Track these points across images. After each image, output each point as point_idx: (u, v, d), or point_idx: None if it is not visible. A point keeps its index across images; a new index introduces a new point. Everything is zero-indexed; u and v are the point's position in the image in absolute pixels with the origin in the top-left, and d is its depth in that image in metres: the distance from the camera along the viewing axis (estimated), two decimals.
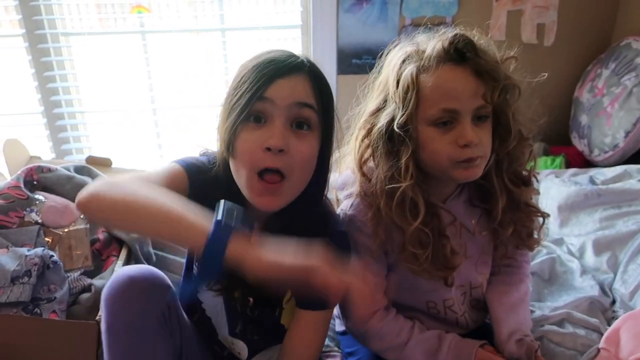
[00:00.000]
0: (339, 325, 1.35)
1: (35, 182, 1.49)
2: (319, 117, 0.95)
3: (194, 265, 1.12)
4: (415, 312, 1.18)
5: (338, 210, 1.14)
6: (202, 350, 1.14)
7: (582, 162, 2.29)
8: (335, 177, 1.17)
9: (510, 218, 1.09)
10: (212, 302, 1.12)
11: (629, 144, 2.04)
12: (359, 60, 2.34)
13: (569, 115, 2.44)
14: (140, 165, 2.02)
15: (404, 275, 1.10)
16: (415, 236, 1.03)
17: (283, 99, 0.90)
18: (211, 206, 0.90)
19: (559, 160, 2.25)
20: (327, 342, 1.33)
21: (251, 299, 1.09)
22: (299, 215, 1.00)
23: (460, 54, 0.96)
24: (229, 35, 2.38)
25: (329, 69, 2.35)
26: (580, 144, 2.32)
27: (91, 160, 1.89)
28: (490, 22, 2.33)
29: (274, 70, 0.91)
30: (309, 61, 0.96)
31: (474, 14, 2.31)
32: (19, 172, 1.48)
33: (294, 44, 2.40)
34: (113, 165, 1.97)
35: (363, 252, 1.08)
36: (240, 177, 0.94)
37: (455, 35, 0.97)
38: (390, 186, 1.02)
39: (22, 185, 1.43)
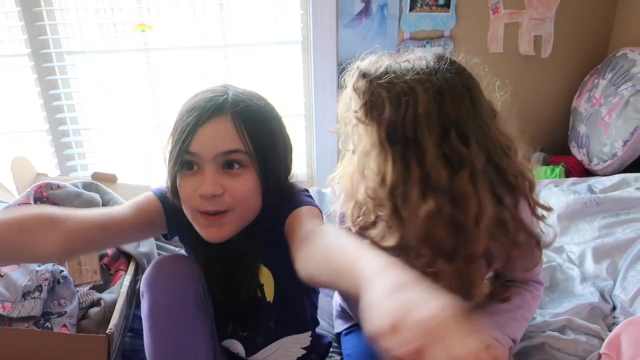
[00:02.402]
0: (338, 326, 1.37)
1: (45, 199, 1.51)
2: (249, 154, 0.97)
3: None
4: None
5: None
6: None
7: (582, 171, 2.32)
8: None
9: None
10: None
11: (627, 153, 2.07)
12: None
13: (568, 125, 2.47)
14: (144, 181, 2.05)
15: None
16: None
17: (207, 151, 0.95)
18: (185, 231, 1.05)
19: (558, 169, 2.28)
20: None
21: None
22: (252, 230, 1.05)
23: None
24: (231, 51, 2.42)
25: (329, 83, 2.39)
26: (579, 154, 2.35)
27: (97, 176, 1.91)
28: (488, 35, 2.37)
29: (195, 119, 0.95)
30: (233, 99, 0.97)
31: (472, 27, 2.35)
32: (28, 189, 1.50)
33: (295, 60, 2.44)
34: (118, 181, 2.00)
35: None
36: (189, 217, 1.01)
37: None
38: None
39: (32, 202, 1.45)
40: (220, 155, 0.96)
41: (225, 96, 0.98)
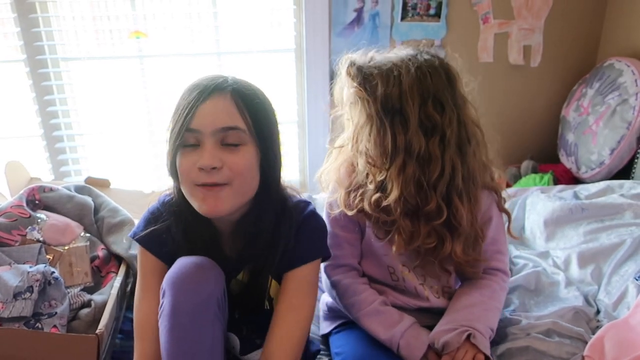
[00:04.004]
0: (325, 328, 1.40)
1: (37, 202, 1.53)
2: (249, 132, 1.03)
3: None
4: (383, 286, 1.30)
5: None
6: None
7: (570, 179, 2.34)
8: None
9: None
10: None
11: (614, 161, 2.10)
12: None
13: (557, 133, 2.50)
14: (137, 186, 2.07)
15: (367, 241, 1.28)
16: None
17: (207, 127, 1.00)
18: (177, 235, 1.09)
19: (547, 177, 2.30)
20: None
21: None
22: (260, 218, 1.10)
23: None
24: (225, 58, 2.45)
25: (322, 91, 2.42)
26: (568, 162, 2.38)
27: (90, 181, 1.93)
28: (479, 45, 2.41)
29: (197, 97, 1.00)
30: (233, 80, 1.04)
31: (462, 36, 2.39)
32: (21, 191, 1.52)
33: (288, 67, 2.47)
34: (111, 186, 2.01)
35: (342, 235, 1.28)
36: (186, 194, 1.05)
37: None
38: None
39: (24, 204, 1.47)
40: (219, 131, 1.00)
41: (225, 78, 1.04)
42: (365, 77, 1.18)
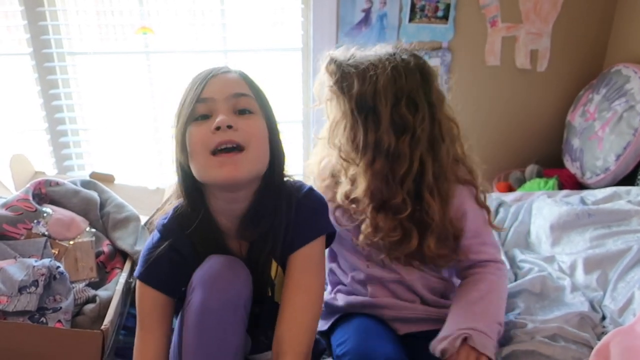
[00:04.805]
0: (321, 326, 1.40)
1: (43, 195, 1.53)
2: (258, 103, 1.06)
3: None
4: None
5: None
6: None
7: (575, 184, 2.34)
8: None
9: None
10: None
11: (620, 167, 2.09)
12: None
13: (562, 138, 2.50)
14: (142, 182, 2.06)
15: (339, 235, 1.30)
16: None
17: (220, 93, 1.02)
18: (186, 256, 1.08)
19: (552, 182, 2.30)
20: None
21: None
22: (266, 206, 1.08)
23: None
24: (231, 56, 2.44)
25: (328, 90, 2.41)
26: (572, 167, 2.37)
27: (95, 176, 1.92)
28: (486, 48, 2.40)
29: (206, 73, 1.05)
30: (238, 69, 1.10)
31: (470, 39, 2.38)
32: (27, 185, 1.51)
33: (295, 67, 2.47)
34: (116, 182, 2.01)
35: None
36: (199, 167, 1.02)
37: None
38: None
39: (30, 198, 1.46)
40: (232, 97, 1.02)
41: (229, 67, 1.09)
42: (342, 75, 1.22)
